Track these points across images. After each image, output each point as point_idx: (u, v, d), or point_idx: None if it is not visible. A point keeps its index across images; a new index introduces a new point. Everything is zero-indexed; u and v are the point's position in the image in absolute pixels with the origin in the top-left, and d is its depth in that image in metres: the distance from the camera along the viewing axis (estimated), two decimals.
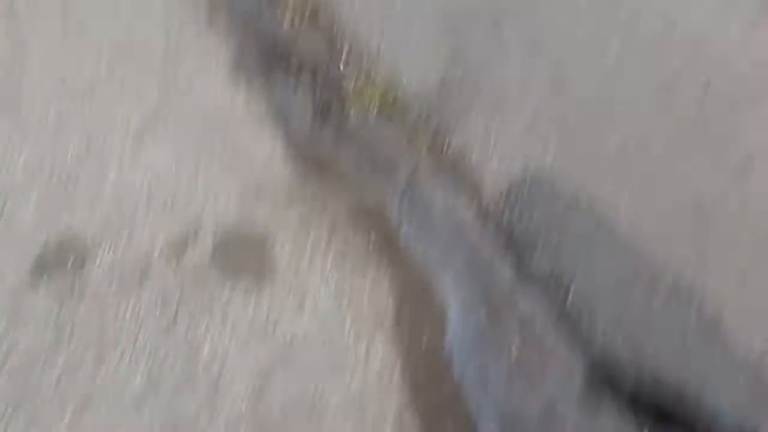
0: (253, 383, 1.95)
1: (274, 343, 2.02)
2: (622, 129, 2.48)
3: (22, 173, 2.37)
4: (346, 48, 2.82)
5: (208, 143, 2.44)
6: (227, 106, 2.56)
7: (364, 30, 2.89)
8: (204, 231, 2.23)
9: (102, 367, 1.97)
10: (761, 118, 2.47)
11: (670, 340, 2.08)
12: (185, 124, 2.50)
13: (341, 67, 2.73)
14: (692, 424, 1.90)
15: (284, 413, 1.90)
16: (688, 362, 2.04)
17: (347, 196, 2.37)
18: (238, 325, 2.05)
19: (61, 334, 2.01)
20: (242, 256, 2.19)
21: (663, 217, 2.27)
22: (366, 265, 2.21)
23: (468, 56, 2.78)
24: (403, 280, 2.19)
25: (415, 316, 2.12)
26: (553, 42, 2.80)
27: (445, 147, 2.52)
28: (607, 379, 1.99)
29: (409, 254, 2.27)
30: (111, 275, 2.12)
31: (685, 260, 2.17)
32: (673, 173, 2.36)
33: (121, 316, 2.05)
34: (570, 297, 2.17)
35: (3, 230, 2.21)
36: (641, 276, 2.18)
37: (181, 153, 2.42)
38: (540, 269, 2.22)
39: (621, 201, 2.31)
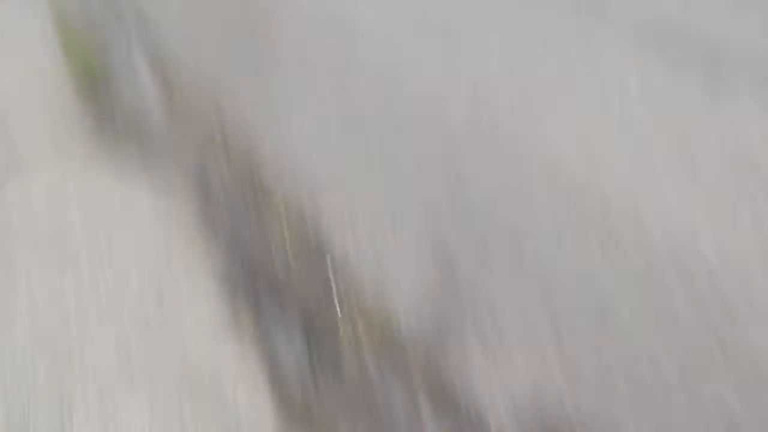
0: None
1: None
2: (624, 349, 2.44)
3: None
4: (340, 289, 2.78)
5: (190, 405, 2.27)
6: (214, 357, 2.42)
7: (357, 268, 2.87)
8: None
9: None
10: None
11: None
12: (164, 374, 2.34)
13: (337, 308, 2.67)
14: None
15: None
16: None
17: None
18: None
19: None
20: None
21: None
22: None
23: (460, 288, 2.77)
24: None
25: None
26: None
27: (443, 387, 2.45)
28: None
29: None
30: None
31: None
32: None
33: None
34: None
35: None
36: None
37: (158, 414, 2.24)
38: None
39: None
